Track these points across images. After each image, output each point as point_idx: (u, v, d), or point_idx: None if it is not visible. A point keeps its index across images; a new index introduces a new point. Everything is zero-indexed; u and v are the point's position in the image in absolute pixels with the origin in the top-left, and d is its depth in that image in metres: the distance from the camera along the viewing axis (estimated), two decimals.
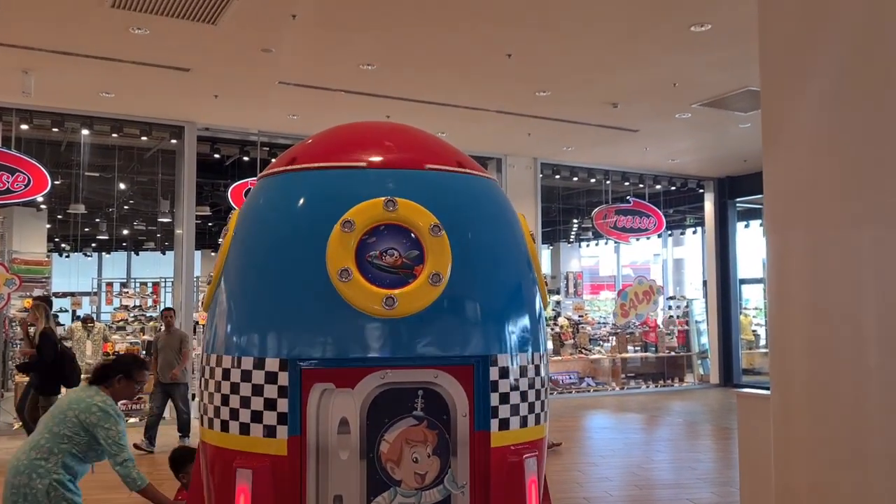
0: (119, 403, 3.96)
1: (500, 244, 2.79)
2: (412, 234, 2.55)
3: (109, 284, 22.36)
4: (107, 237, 20.95)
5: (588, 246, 23.08)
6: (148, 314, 14.98)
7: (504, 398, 2.63)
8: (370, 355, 2.53)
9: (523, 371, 2.69)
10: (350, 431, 2.53)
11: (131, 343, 12.54)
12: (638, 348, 15.76)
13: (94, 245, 23.33)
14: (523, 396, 2.69)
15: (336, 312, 2.49)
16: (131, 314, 14.72)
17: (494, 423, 2.60)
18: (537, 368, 2.76)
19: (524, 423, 2.69)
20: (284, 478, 2.48)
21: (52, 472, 3.68)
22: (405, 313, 2.49)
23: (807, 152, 4.04)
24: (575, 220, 20.59)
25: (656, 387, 14.98)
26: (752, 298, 17.99)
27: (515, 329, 2.73)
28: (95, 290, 21.14)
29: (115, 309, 15.46)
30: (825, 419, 3.84)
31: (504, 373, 2.64)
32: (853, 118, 3.89)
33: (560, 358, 14.67)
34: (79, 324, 11.53)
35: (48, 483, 3.66)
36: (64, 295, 16.64)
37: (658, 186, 15.81)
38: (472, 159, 2.96)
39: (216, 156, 12.80)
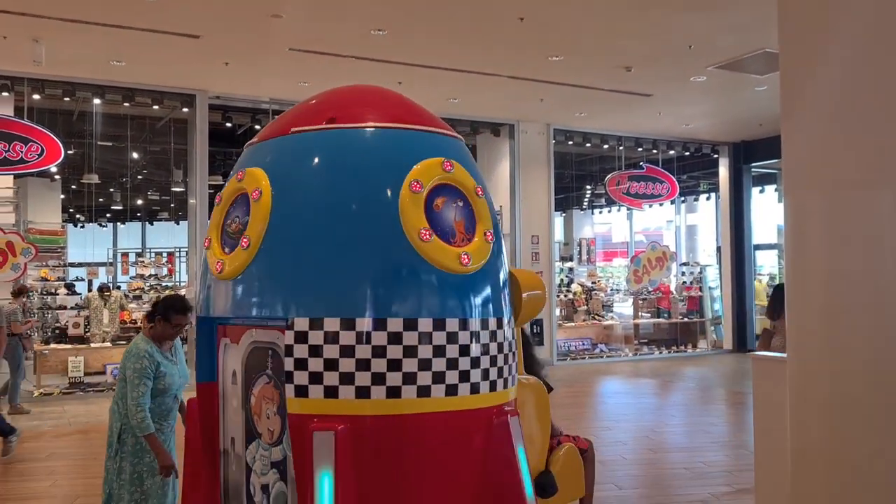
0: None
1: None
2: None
3: (125, 254, 22.49)
4: (121, 207, 21.04)
5: (601, 213, 22.96)
6: (164, 283, 15.07)
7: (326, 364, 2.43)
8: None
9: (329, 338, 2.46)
10: (237, 382, 2.78)
11: (148, 311, 12.64)
12: (650, 314, 15.75)
13: (108, 215, 23.44)
14: (328, 365, 2.44)
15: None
16: (147, 283, 14.81)
17: (290, 389, 2.44)
18: (360, 336, 2.44)
19: (326, 393, 2.43)
20: (206, 415, 2.91)
21: (123, 416, 3.88)
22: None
23: (827, 115, 3.99)
24: (588, 187, 20.48)
25: (669, 353, 14.99)
26: (766, 264, 17.91)
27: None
28: (111, 261, 21.28)
29: (131, 278, 15.54)
30: (842, 381, 3.83)
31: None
32: (875, 80, 3.83)
33: (573, 324, 14.69)
34: (95, 293, 11.62)
35: (119, 425, 3.89)
36: (80, 265, 16.75)
37: (672, 152, 15.68)
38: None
39: (228, 124, 12.78)
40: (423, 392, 2.46)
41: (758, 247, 16.26)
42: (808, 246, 4.07)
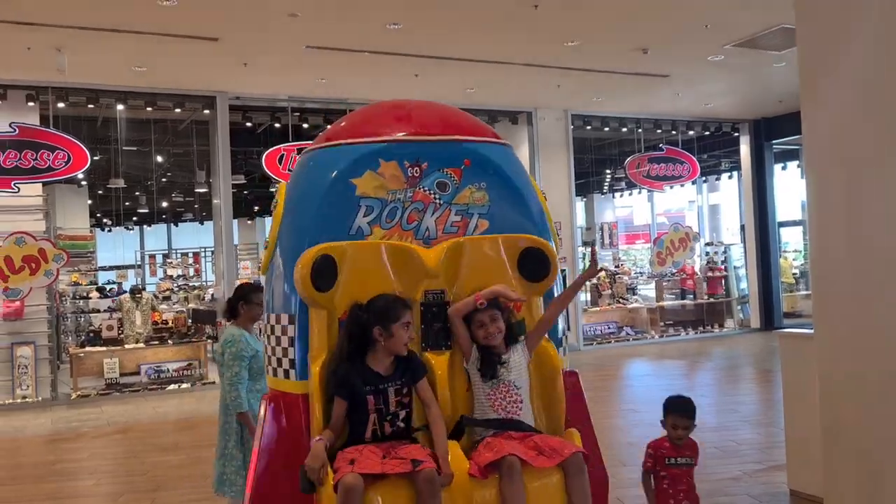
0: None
1: None
2: None
3: (152, 256, 22.88)
4: (147, 210, 21.34)
5: (622, 196, 22.90)
6: (192, 283, 15.29)
7: None
8: None
9: None
10: None
11: (178, 311, 12.86)
12: (675, 296, 15.71)
13: (135, 218, 23.78)
14: None
15: None
16: (175, 284, 15.04)
17: None
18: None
19: None
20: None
21: (226, 397, 4.20)
22: None
23: (848, 89, 3.99)
24: (608, 171, 20.41)
25: (696, 333, 14.96)
26: (792, 241, 17.78)
27: None
28: (139, 263, 21.62)
29: (160, 279, 15.79)
30: (870, 355, 3.86)
31: None
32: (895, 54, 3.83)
33: (598, 308, 14.71)
34: (127, 296, 11.84)
35: (224, 405, 4.23)
36: (110, 268, 17.03)
37: (691, 132, 15.59)
38: None
39: (248, 124, 12.92)
40: None
41: (782, 224, 16.14)
42: (831, 221, 4.09)
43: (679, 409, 3.67)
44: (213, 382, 11.13)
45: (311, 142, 3.46)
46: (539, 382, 3.00)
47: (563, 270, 3.64)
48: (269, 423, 2.90)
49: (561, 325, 3.14)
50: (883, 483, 3.82)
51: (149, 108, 11.33)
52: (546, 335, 3.02)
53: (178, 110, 11.66)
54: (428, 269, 2.90)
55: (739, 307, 16.07)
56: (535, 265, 3.01)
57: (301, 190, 3.12)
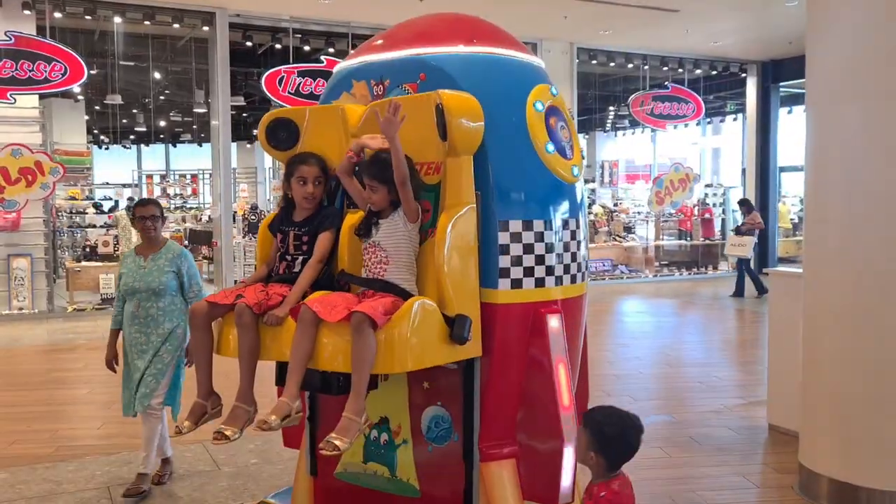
0: None
1: None
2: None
3: (149, 176, 22.78)
4: (144, 129, 21.13)
5: (624, 135, 22.70)
6: (188, 204, 15.28)
7: None
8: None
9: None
10: None
11: (174, 230, 12.89)
12: (673, 236, 15.75)
13: (132, 137, 23.57)
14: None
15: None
16: (172, 203, 15.03)
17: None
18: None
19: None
20: None
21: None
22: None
23: (851, 30, 3.95)
24: (611, 108, 20.20)
25: (689, 274, 15.05)
26: (793, 189, 17.70)
27: None
28: (136, 182, 21.53)
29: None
30: (855, 293, 3.90)
31: None
32: None
33: (594, 245, 14.75)
34: (124, 212, 11.84)
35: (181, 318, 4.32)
36: (106, 185, 16.98)
37: (698, 71, 15.37)
38: None
39: (248, 44, 12.70)
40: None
41: (783, 169, 16.05)
42: (829, 160, 4.08)
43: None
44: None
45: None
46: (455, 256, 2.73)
47: None
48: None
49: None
50: (851, 420, 3.92)
51: (147, 22, 11.11)
52: None
53: (176, 25, 11.44)
54: (349, 127, 2.95)
55: None
56: (441, 122, 2.71)
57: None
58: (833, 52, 4.08)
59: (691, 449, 4.94)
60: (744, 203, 13.00)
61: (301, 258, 2.91)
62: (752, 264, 12.32)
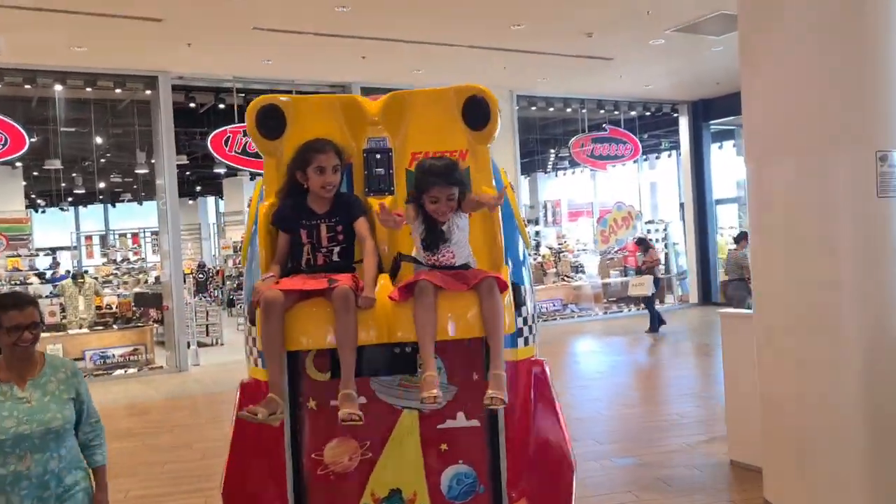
0: None
1: None
2: None
3: (89, 237, 22.35)
4: (83, 191, 20.77)
5: (565, 174, 23.23)
6: (135, 266, 15.02)
7: None
8: None
9: None
10: None
11: (122, 295, 12.66)
12: (619, 272, 16.12)
13: (70, 199, 23.12)
14: None
15: None
16: (117, 267, 14.76)
17: None
18: None
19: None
20: None
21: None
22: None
23: (783, 79, 4.21)
24: (552, 150, 20.70)
25: (638, 310, 15.39)
26: (727, 220, 18.32)
27: None
28: (75, 245, 21.10)
29: (103, 263, 15.46)
30: (806, 336, 4.12)
31: None
32: (833, 44, 4.04)
33: (543, 286, 15.00)
34: (69, 281, 11.61)
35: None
36: (47, 251, 16.60)
37: (633, 112, 15.92)
38: None
39: (191, 104, 12.70)
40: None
41: (719, 201, 16.67)
42: (770, 210, 4.33)
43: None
44: (161, 367, 11.06)
45: None
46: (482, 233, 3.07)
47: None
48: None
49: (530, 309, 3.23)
50: (814, 455, 4.11)
51: (88, 89, 11.04)
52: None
53: (118, 90, 11.37)
54: (369, 116, 3.06)
55: (679, 282, 16.58)
56: (474, 113, 3.05)
57: None
58: (765, 104, 4.34)
59: (660, 490, 5.08)
60: (641, 242, 13.58)
61: (337, 248, 2.92)
62: (653, 301, 12.80)
